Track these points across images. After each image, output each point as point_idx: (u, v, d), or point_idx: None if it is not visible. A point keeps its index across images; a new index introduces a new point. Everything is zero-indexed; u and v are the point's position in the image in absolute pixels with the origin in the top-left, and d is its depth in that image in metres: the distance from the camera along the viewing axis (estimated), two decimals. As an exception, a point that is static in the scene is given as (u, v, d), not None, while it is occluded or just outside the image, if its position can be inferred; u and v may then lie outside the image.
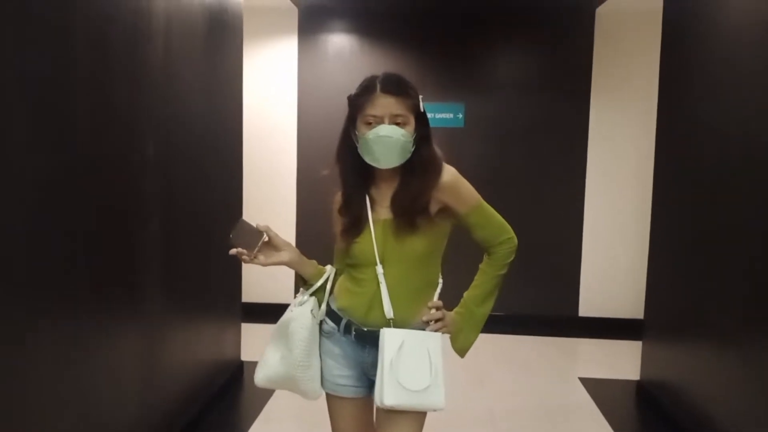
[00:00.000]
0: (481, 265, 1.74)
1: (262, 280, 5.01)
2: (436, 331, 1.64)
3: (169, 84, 2.78)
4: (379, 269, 1.62)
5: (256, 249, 1.61)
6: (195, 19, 3.06)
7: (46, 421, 1.90)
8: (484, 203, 1.68)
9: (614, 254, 5.11)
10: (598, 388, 3.88)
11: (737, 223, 2.66)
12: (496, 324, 4.88)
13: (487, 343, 4.64)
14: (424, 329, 1.63)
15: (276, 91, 5.21)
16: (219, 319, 3.64)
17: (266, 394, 3.55)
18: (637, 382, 3.86)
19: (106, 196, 2.22)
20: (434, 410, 1.59)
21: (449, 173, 1.63)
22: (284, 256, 1.66)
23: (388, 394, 1.53)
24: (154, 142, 2.61)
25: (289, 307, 1.75)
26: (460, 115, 5.04)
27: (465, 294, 1.74)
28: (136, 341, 2.51)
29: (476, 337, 1.74)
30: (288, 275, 5.11)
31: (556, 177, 5.11)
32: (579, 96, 5.03)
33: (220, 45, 3.50)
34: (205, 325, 3.39)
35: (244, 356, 4.03)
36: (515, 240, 1.71)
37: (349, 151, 1.65)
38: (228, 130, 3.68)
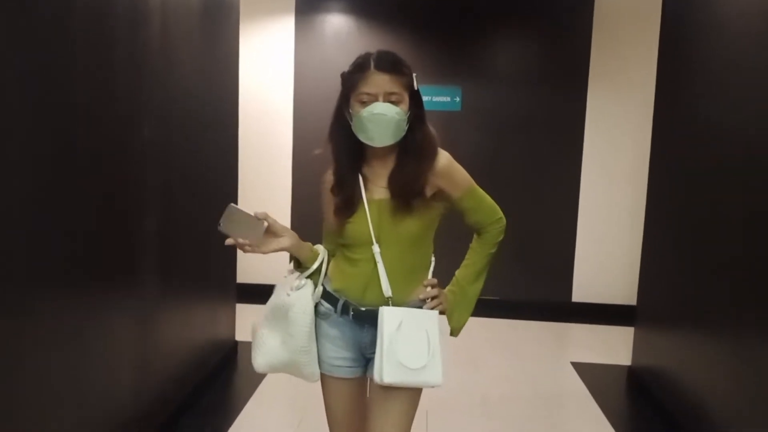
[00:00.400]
0: (471, 245, 1.77)
1: (257, 261, 4.99)
2: (433, 308, 1.65)
3: (167, 65, 2.75)
4: (376, 248, 1.61)
5: (259, 240, 1.55)
6: (191, -3, 3.03)
7: (41, 401, 1.90)
8: (476, 186, 1.69)
9: (608, 241, 5.13)
10: (590, 373, 3.91)
11: (731, 211, 2.67)
12: (490, 309, 4.94)
13: (481, 327, 4.68)
14: (420, 307, 1.65)
15: (272, 72, 5.17)
16: (214, 300, 3.64)
17: (260, 374, 3.56)
18: (629, 367, 3.89)
19: (102, 180, 2.21)
20: (432, 387, 1.60)
21: (444, 158, 1.64)
22: (285, 241, 1.63)
23: (387, 372, 1.54)
24: (150, 125, 2.59)
25: (276, 287, 1.74)
26: (457, 99, 5.02)
27: (457, 273, 1.76)
28: (132, 321, 2.52)
29: (469, 314, 1.77)
30: (283, 256, 5.11)
31: (552, 163, 5.11)
32: (576, 85, 5.01)
33: (217, 25, 3.47)
34: (200, 305, 3.40)
35: (239, 336, 4.04)
36: (504, 220, 1.75)
37: (342, 130, 1.63)
38: (224, 112, 3.66)
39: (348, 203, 1.64)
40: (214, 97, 3.46)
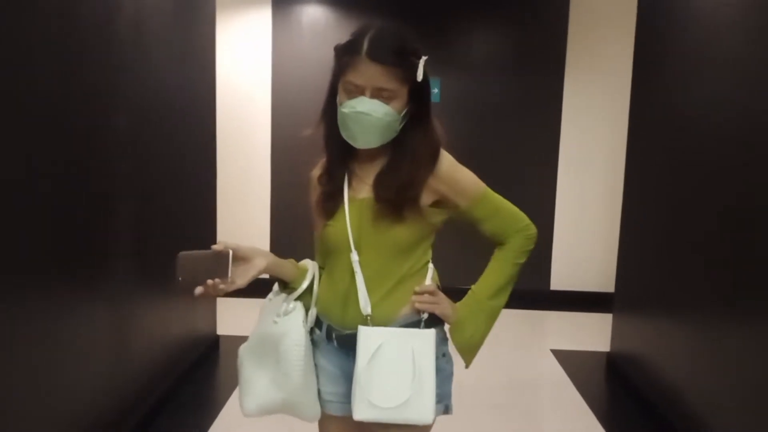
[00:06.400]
0: (493, 256, 1.49)
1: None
2: (424, 309, 1.38)
3: (142, 57, 2.71)
4: (354, 257, 1.35)
5: (229, 272, 1.25)
6: (166, -13, 2.99)
7: (14, 396, 1.88)
8: (490, 192, 1.42)
9: (586, 229, 5.18)
10: (569, 360, 3.96)
11: (707, 199, 2.71)
12: (470, 298, 4.91)
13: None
14: (414, 325, 1.38)
15: (250, 63, 5.12)
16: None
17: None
18: (607, 354, 3.94)
19: (76, 172, 2.18)
20: (418, 425, 1.34)
21: (446, 161, 1.37)
22: (259, 263, 1.33)
23: (358, 407, 1.31)
24: (126, 117, 2.55)
25: (261, 312, 1.47)
26: (436, 90, 5.02)
27: (473, 286, 1.49)
28: (106, 315, 2.48)
29: (486, 333, 1.53)
30: (264, 236, 5.10)
31: (529, 153, 5.14)
32: (553, 73, 5.04)
33: (192, 16, 3.42)
34: (178, 299, 3.36)
35: (220, 330, 4.01)
36: (533, 228, 1.47)
37: (334, 110, 1.35)
38: (201, 104, 3.62)
39: (329, 198, 1.41)
40: (190, 89, 3.42)
